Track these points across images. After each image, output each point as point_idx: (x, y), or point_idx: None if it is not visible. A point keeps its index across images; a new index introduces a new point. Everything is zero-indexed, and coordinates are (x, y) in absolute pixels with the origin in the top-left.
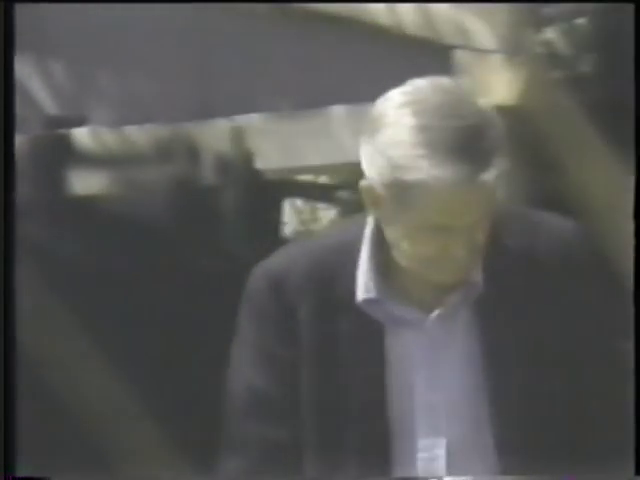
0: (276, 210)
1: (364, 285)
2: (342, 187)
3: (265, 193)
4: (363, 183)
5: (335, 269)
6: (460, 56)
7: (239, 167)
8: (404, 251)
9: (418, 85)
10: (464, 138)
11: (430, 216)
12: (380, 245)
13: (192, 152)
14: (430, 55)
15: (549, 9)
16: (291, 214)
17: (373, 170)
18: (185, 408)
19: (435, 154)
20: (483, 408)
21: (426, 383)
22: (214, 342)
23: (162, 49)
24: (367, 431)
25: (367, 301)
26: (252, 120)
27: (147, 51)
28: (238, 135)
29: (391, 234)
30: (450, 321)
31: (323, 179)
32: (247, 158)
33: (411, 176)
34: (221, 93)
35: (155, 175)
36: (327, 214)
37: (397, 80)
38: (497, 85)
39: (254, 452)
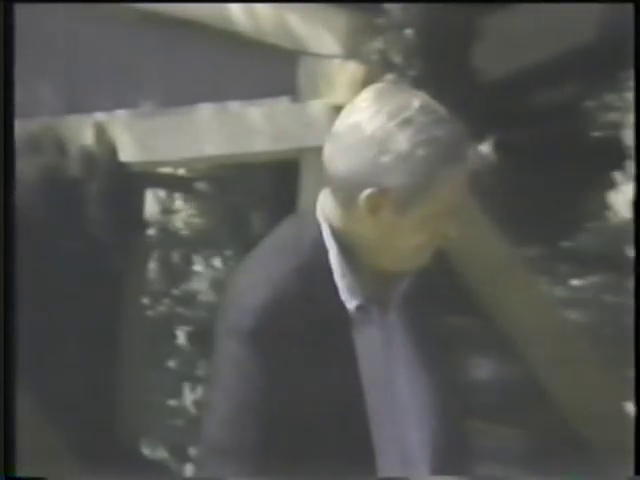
0: (138, 199)
1: (349, 293)
2: (199, 179)
3: (128, 184)
4: (371, 192)
5: (313, 286)
6: (305, 59)
7: (104, 160)
8: (397, 246)
9: (379, 93)
10: (458, 123)
11: (450, 199)
12: (348, 250)
13: (60, 145)
14: (277, 58)
15: (381, 20)
16: (153, 203)
17: (394, 178)
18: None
19: (460, 142)
20: (426, 398)
21: (396, 376)
22: (86, 325)
23: (33, 48)
24: (352, 432)
25: (357, 307)
26: (116, 116)
27: (17, 50)
28: (103, 130)
29: (390, 232)
30: (393, 312)
31: (182, 171)
32: (111, 152)
33: (447, 166)
34: (87, 91)
35: (24, 167)
36: (186, 203)
37: (249, 81)
38: (337, 86)
39: (254, 457)
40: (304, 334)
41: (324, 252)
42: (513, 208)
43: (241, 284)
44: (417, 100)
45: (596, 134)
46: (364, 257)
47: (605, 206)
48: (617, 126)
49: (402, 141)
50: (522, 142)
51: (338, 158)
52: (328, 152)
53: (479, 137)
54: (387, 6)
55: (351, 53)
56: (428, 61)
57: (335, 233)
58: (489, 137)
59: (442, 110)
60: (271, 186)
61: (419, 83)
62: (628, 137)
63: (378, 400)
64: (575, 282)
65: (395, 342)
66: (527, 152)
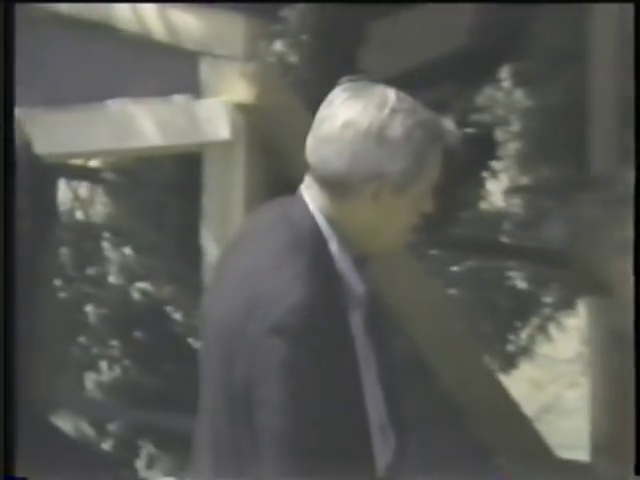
0: (52, 189)
1: (353, 280)
2: (110, 169)
3: (43, 175)
4: (374, 182)
5: (323, 277)
6: (206, 60)
7: (20, 152)
8: (392, 227)
9: (355, 91)
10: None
11: (434, 176)
12: (345, 238)
13: None
14: (179, 59)
15: (279, 26)
16: (67, 193)
17: (393, 164)
18: None
19: (438, 121)
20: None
21: (380, 363)
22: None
23: None
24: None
25: (362, 293)
26: (31, 111)
27: None
28: (19, 124)
29: (388, 214)
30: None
31: (94, 163)
32: (27, 144)
33: (433, 145)
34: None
35: None
36: (99, 193)
37: (154, 79)
38: (236, 87)
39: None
40: (330, 324)
41: (323, 243)
42: None
43: (268, 287)
44: (390, 90)
45: (471, 131)
46: (359, 243)
47: (480, 197)
48: (490, 124)
49: (397, 128)
50: None
51: (334, 158)
52: (320, 155)
53: None
54: (284, 12)
55: (250, 55)
56: (323, 63)
57: (330, 223)
58: None
59: (408, 96)
60: (180, 177)
61: (315, 84)
62: (499, 134)
63: (368, 381)
64: (454, 267)
65: (378, 319)
66: None
